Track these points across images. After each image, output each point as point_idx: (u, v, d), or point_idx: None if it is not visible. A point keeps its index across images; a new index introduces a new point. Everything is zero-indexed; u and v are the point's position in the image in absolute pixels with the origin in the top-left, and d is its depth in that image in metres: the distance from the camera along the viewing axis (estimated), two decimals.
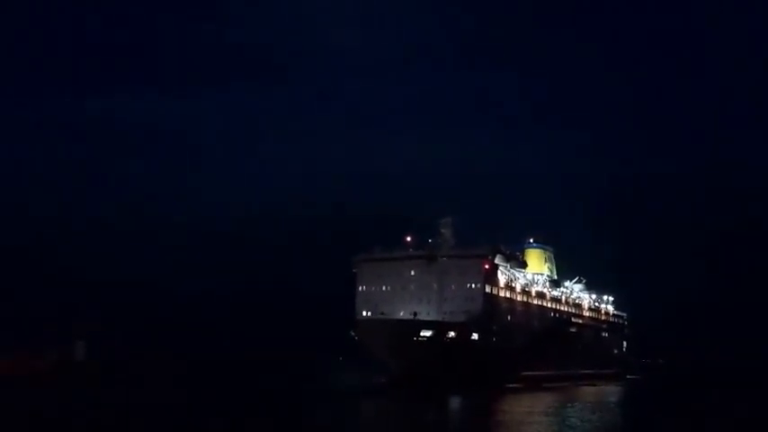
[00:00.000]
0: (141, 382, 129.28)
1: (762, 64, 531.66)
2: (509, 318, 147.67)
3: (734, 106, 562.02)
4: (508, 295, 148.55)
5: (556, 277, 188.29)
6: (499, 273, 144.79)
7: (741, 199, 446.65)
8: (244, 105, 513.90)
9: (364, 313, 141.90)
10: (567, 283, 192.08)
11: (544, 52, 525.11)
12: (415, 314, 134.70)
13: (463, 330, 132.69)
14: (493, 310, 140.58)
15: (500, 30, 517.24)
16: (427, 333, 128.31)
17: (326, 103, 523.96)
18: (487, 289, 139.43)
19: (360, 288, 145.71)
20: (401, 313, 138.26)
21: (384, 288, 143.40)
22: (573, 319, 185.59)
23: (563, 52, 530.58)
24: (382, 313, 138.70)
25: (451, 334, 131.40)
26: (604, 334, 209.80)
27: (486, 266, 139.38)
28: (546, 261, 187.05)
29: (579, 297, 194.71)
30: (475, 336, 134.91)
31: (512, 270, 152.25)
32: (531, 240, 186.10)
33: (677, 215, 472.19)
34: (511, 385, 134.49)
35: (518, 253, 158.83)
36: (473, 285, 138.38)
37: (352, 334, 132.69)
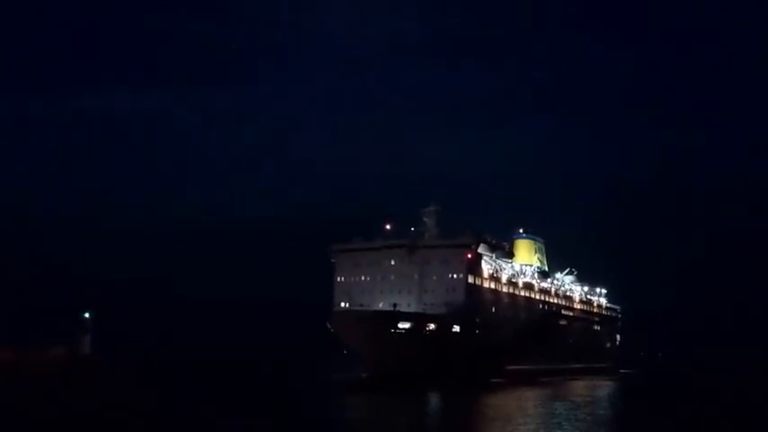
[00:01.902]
0: (142, 377, 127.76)
1: None
2: (493, 310, 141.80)
3: (734, 105, 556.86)
4: (493, 286, 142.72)
5: (546, 269, 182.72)
6: (483, 263, 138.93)
7: (740, 191, 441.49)
8: (215, 105, 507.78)
9: (342, 305, 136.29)
10: (557, 275, 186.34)
11: (543, 47, 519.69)
12: (395, 306, 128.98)
13: (444, 323, 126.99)
14: (476, 302, 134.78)
15: (497, 25, 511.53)
16: (405, 325, 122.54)
17: (316, 100, 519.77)
18: (470, 279, 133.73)
19: (338, 279, 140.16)
20: (380, 305, 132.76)
21: (363, 278, 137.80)
22: (563, 312, 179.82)
23: (562, 45, 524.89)
24: (360, 305, 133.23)
25: (431, 326, 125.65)
26: (596, 327, 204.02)
27: (469, 256, 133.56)
28: (536, 252, 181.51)
29: (570, 289, 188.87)
30: (456, 328, 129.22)
31: (497, 260, 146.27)
32: (521, 231, 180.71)
33: (675, 208, 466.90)
34: (495, 380, 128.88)
35: (504, 243, 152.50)
36: (455, 276, 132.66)
37: (328, 326, 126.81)
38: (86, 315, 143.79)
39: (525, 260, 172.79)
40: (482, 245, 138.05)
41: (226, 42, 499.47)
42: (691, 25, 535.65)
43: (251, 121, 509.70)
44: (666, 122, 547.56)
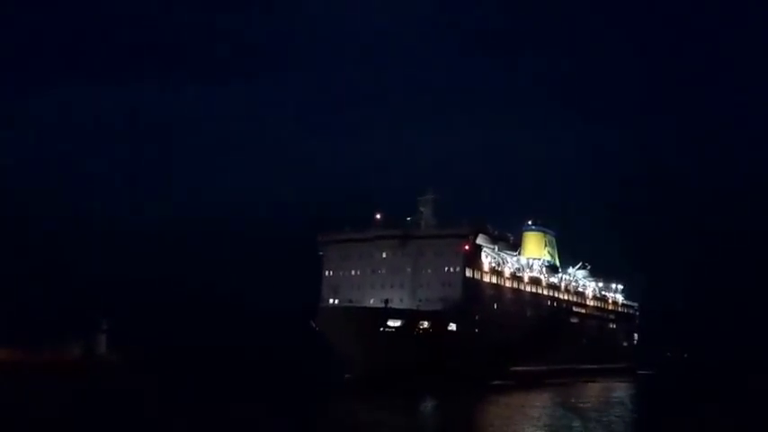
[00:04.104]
0: (146, 377, 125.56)
1: None
2: (495, 306, 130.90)
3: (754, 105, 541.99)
4: (494, 281, 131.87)
5: (558, 263, 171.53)
6: (483, 255, 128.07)
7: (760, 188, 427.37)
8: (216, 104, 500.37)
9: (331, 301, 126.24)
10: (569, 270, 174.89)
11: (568, 37, 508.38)
12: (387, 302, 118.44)
13: (439, 320, 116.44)
14: (474, 297, 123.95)
15: (525, 15, 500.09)
16: (396, 323, 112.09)
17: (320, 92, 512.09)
18: (468, 273, 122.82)
19: (326, 273, 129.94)
20: (371, 300, 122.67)
21: (352, 272, 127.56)
22: (574, 309, 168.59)
23: (585, 36, 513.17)
24: (350, 301, 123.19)
25: (425, 324, 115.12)
26: (612, 325, 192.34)
27: (467, 247, 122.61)
28: (546, 245, 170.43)
29: (583, 285, 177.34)
30: (453, 326, 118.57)
31: (500, 253, 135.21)
32: (530, 223, 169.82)
33: (694, 202, 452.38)
34: (497, 382, 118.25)
35: (509, 234, 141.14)
36: (451, 269, 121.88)
37: (313, 324, 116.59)
38: (102, 314, 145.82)
39: (534, 254, 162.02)
40: (481, 235, 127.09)
41: (225, 42, 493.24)
42: (715, 26, 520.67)
43: (251, 120, 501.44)
44: (677, 123, 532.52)
